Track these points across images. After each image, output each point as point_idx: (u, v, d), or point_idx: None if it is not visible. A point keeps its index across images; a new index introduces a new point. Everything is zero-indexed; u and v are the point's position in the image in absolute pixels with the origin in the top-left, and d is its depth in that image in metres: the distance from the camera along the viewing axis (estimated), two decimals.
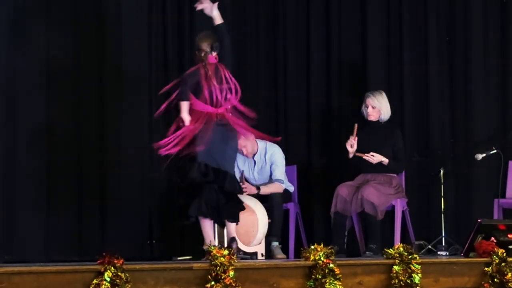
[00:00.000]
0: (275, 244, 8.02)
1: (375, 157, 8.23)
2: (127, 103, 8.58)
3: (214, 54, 7.20)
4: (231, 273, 5.51)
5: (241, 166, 8.31)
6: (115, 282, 5.18)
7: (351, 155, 8.31)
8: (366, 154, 8.23)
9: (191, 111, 7.06)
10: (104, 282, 5.16)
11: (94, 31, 8.54)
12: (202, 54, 7.18)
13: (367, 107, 8.42)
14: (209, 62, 7.15)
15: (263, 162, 8.34)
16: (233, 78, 7.19)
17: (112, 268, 5.19)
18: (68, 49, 8.38)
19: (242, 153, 8.21)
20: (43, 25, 8.30)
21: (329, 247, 5.99)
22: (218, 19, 7.19)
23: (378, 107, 8.41)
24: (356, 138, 8.26)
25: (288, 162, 8.57)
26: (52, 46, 8.30)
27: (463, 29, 9.57)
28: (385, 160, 8.26)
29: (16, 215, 8.07)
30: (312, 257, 5.89)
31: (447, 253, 8.39)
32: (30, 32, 8.21)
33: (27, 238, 8.10)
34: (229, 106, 7.15)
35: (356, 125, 8.29)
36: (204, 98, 7.08)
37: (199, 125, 7.01)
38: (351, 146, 8.29)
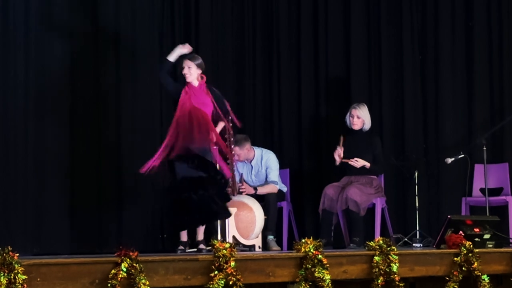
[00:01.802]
0: (271, 237, 7.99)
1: (358, 162, 8.22)
2: (141, 111, 8.58)
3: (199, 72, 7.24)
4: (232, 263, 5.49)
5: (241, 169, 8.30)
6: (130, 272, 5.17)
7: (337, 163, 8.30)
8: (351, 160, 8.22)
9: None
10: (121, 272, 5.14)
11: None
12: (192, 72, 7.20)
13: (353, 117, 8.40)
14: (196, 80, 7.20)
15: (259, 166, 8.33)
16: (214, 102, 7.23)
17: (128, 259, 5.18)
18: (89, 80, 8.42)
19: (237, 160, 8.19)
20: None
21: (318, 240, 5.97)
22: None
23: (363, 117, 8.40)
24: (343, 148, 8.24)
25: (281, 166, 8.56)
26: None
27: (434, 49, 9.56)
28: (367, 164, 8.24)
29: (43, 212, 8.05)
30: (303, 249, 5.87)
31: (421, 245, 8.36)
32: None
33: (53, 233, 8.08)
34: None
35: (341, 136, 8.27)
36: (183, 111, 7.09)
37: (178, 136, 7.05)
38: (339, 156, 8.27)
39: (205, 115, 7.14)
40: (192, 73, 7.23)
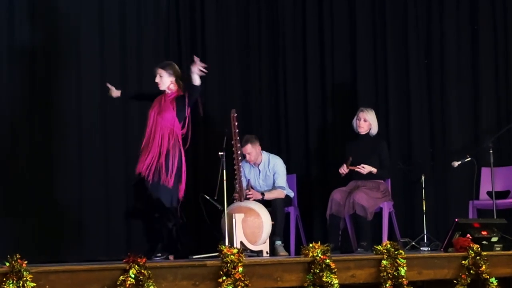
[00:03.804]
0: (278, 243, 7.99)
1: (365, 168, 8.21)
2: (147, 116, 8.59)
3: (172, 79, 7.24)
4: (240, 269, 5.49)
5: (248, 174, 8.30)
6: (139, 278, 5.17)
7: (342, 175, 8.30)
8: (357, 167, 8.21)
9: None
10: (129, 278, 5.15)
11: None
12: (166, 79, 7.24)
13: (359, 120, 8.39)
14: (168, 88, 7.23)
15: (267, 170, 8.33)
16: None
17: (136, 266, 5.18)
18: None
19: (247, 160, 8.20)
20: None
21: (326, 245, 5.97)
22: (196, 80, 7.12)
23: (369, 120, 8.39)
24: (348, 169, 8.23)
25: (288, 171, 8.56)
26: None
27: (440, 53, 9.56)
28: (374, 170, 8.23)
29: (51, 220, 8.07)
30: (310, 254, 5.87)
31: (429, 249, 8.34)
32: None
33: (62, 240, 8.09)
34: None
35: (350, 158, 8.26)
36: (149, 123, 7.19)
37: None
38: (342, 174, 8.27)
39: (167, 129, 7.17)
40: (164, 81, 7.24)
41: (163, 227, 7.08)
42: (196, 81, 7.12)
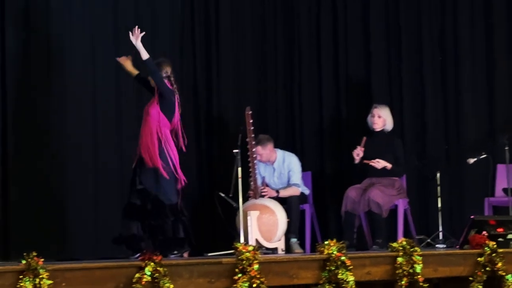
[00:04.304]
0: (294, 240, 7.99)
1: (380, 163, 8.19)
2: None
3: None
4: (256, 266, 5.49)
5: (263, 172, 8.29)
6: (154, 276, 5.17)
7: (356, 161, 8.26)
8: (372, 161, 8.19)
9: None
10: (145, 276, 5.16)
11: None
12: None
13: (374, 117, 8.38)
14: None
15: (282, 168, 8.32)
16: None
17: (152, 263, 5.19)
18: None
19: (259, 160, 8.20)
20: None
21: (341, 242, 5.96)
22: (143, 54, 6.99)
23: (384, 116, 8.37)
24: (363, 149, 8.21)
25: (303, 169, 8.55)
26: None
27: (454, 49, 9.53)
28: (388, 165, 8.20)
29: (69, 218, 8.09)
30: (326, 251, 5.86)
31: (445, 246, 8.33)
32: None
33: (78, 238, 8.11)
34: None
35: (364, 138, 8.25)
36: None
37: None
38: (357, 155, 8.24)
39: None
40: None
41: (164, 224, 7.05)
42: (144, 55, 6.97)
